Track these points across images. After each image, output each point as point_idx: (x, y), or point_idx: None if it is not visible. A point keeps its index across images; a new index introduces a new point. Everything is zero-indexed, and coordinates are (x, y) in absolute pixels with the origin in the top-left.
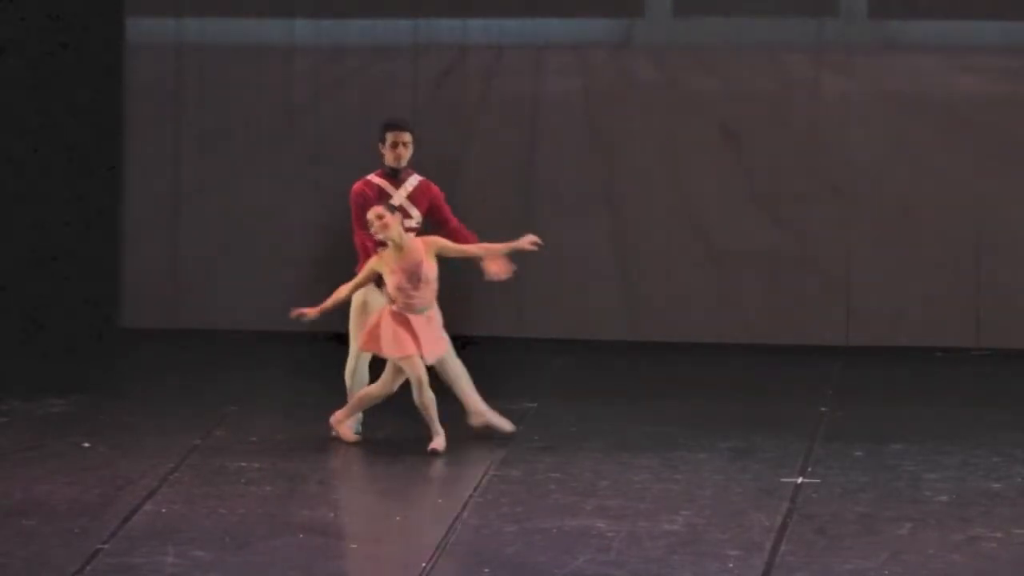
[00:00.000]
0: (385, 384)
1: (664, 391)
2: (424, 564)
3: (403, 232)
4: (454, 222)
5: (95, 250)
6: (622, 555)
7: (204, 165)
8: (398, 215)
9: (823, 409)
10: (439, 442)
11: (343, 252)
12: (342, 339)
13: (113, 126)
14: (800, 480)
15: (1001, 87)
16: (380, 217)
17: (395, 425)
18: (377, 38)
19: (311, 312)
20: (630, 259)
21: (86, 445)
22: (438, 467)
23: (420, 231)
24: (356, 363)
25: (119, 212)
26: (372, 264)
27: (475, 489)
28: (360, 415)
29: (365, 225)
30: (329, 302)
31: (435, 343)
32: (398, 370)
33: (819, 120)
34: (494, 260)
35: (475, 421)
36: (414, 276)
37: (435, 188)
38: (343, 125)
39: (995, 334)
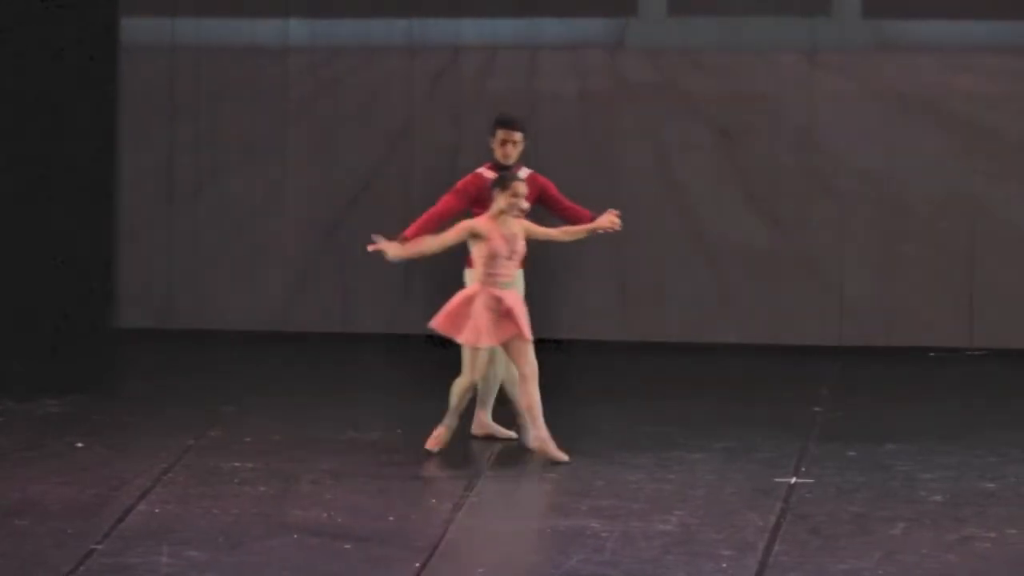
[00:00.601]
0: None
1: (658, 391)
2: (418, 564)
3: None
4: (566, 202)
5: (90, 251)
6: (616, 555)
7: (199, 166)
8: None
9: (817, 409)
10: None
11: (337, 253)
12: (336, 339)
13: (108, 126)
14: (794, 480)
15: (995, 87)
16: (523, 195)
17: (388, 426)
18: (371, 38)
19: (391, 249)
20: (625, 259)
21: (80, 445)
22: (432, 467)
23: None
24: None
25: (114, 213)
26: (467, 225)
27: (469, 489)
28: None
29: (462, 195)
30: (411, 245)
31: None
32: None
33: (813, 120)
34: (602, 216)
35: (477, 431)
36: (512, 249)
37: (543, 179)
38: (337, 125)
39: (989, 334)
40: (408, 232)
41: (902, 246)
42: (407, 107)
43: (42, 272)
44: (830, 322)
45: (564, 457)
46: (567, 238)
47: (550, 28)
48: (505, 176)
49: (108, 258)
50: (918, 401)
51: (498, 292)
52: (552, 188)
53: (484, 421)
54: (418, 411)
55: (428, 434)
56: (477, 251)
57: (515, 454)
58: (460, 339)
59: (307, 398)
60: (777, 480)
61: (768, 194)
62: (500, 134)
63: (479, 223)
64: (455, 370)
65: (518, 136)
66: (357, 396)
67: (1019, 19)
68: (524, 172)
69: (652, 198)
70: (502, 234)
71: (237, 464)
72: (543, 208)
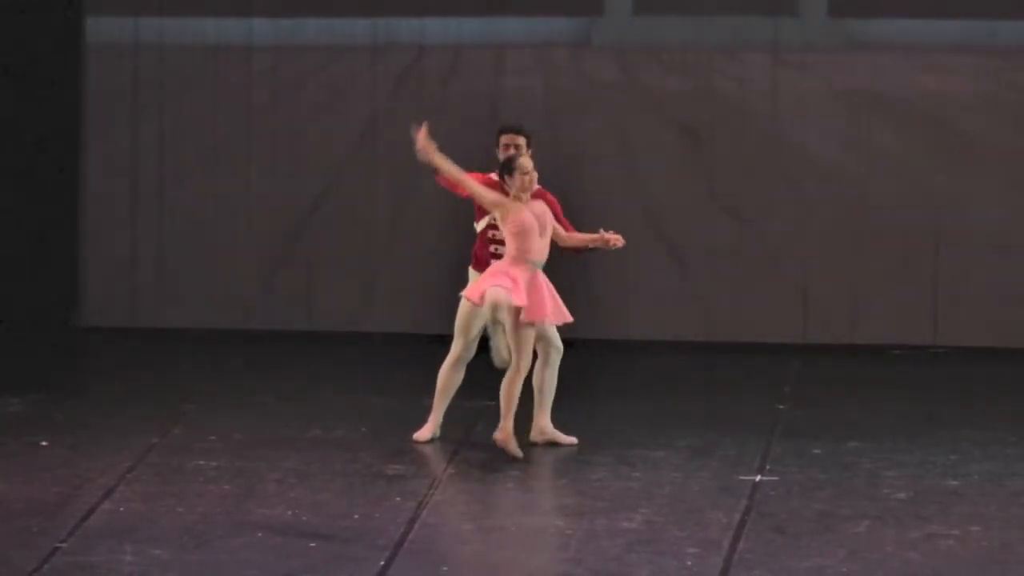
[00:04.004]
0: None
1: (622, 389)
2: (383, 562)
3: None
4: (564, 224)
5: (54, 249)
6: (580, 553)
7: (163, 164)
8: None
9: (781, 407)
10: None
11: (302, 251)
12: (300, 338)
13: (72, 125)
14: (758, 478)
15: (960, 85)
16: (532, 169)
17: (352, 424)
18: (335, 37)
19: (428, 147)
20: (590, 257)
21: (44, 444)
22: (396, 465)
23: None
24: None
25: (78, 212)
26: (498, 198)
27: (434, 488)
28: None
29: (473, 178)
30: (447, 163)
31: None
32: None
33: (778, 119)
34: (607, 233)
35: (537, 438)
36: (542, 224)
37: (551, 197)
38: (302, 124)
39: (953, 332)
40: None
41: (866, 244)
42: (372, 106)
43: (5, 270)
44: (794, 320)
45: (520, 454)
46: (568, 243)
47: (515, 27)
48: (505, 162)
49: (72, 257)
50: (882, 399)
51: (529, 272)
52: (557, 209)
53: (544, 427)
54: (382, 410)
55: (396, 432)
56: (506, 230)
57: (480, 452)
58: (516, 302)
59: (271, 397)
60: (741, 478)
61: (732, 192)
62: (503, 140)
63: (508, 201)
64: (419, 369)
65: (521, 140)
66: (321, 395)
67: (985, 18)
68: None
69: (617, 196)
70: (532, 211)
71: (201, 463)
72: None
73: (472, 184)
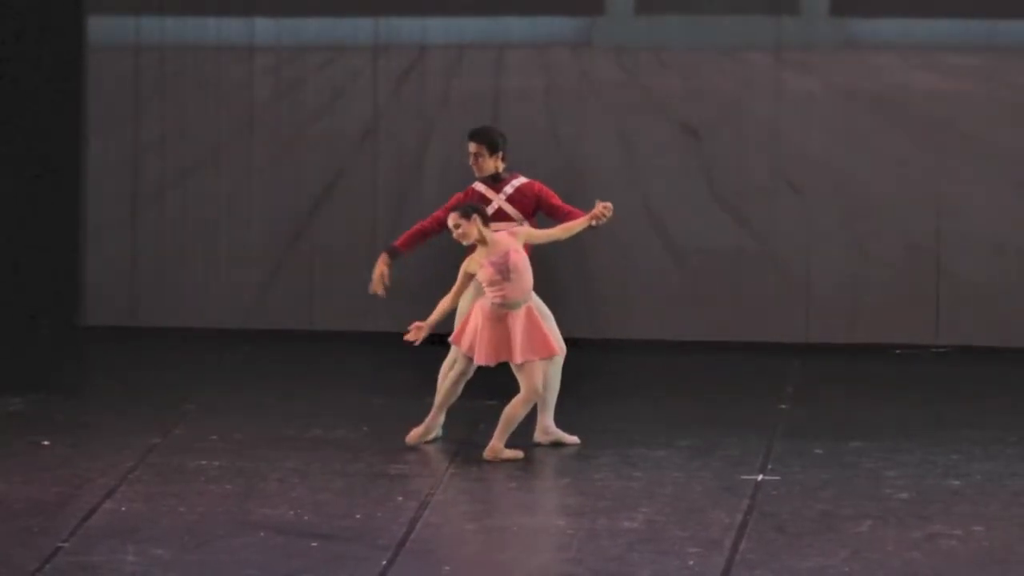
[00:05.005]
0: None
1: (622, 389)
2: (384, 562)
3: (484, 229)
4: (566, 208)
5: (55, 248)
6: (582, 553)
7: (165, 164)
8: (475, 217)
9: (783, 406)
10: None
11: (303, 250)
12: (301, 338)
13: (74, 125)
14: (760, 477)
15: (961, 84)
16: (457, 227)
17: (354, 423)
18: (337, 37)
19: (421, 331)
20: (590, 257)
21: (45, 443)
22: (398, 465)
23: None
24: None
25: (80, 211)
26: (465, 267)
27: (435, 487)
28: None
29: (443, 218)
30: (434, 317)
31: (529, 346)
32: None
33: (779, 118)
34: (596, 208)
35: (541, 438)
36: (503, 268)
37: (538, 185)
38: (303, 124)
39: (954, 331)
40: (398, 243)
41: (867, 243)
42: (373, 106)
43: (6, 270)
44: (796, 319)
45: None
46: (566, 235)
47: (517, 27)
48: (465, 207)
49: (73, 256)
50: (883, 398)
51: (498, 314)
52: (549, 196)
53: (548, 427)
54: (384, 409)
55: (397, 432)
56: (481, 281)
57: (482, 452)
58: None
59: (273, 396)
60: (743, 478)
61: (734, 192)
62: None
63: (469, 263)
64: (420, 368)
65: (472, 147)
66: (322, 394)
67: (984, 17)
68: (519, 181)
69: (618, 196)
70: (489, 261)
71: (203, 462)
72: (545, 216)
73: (454, 295)
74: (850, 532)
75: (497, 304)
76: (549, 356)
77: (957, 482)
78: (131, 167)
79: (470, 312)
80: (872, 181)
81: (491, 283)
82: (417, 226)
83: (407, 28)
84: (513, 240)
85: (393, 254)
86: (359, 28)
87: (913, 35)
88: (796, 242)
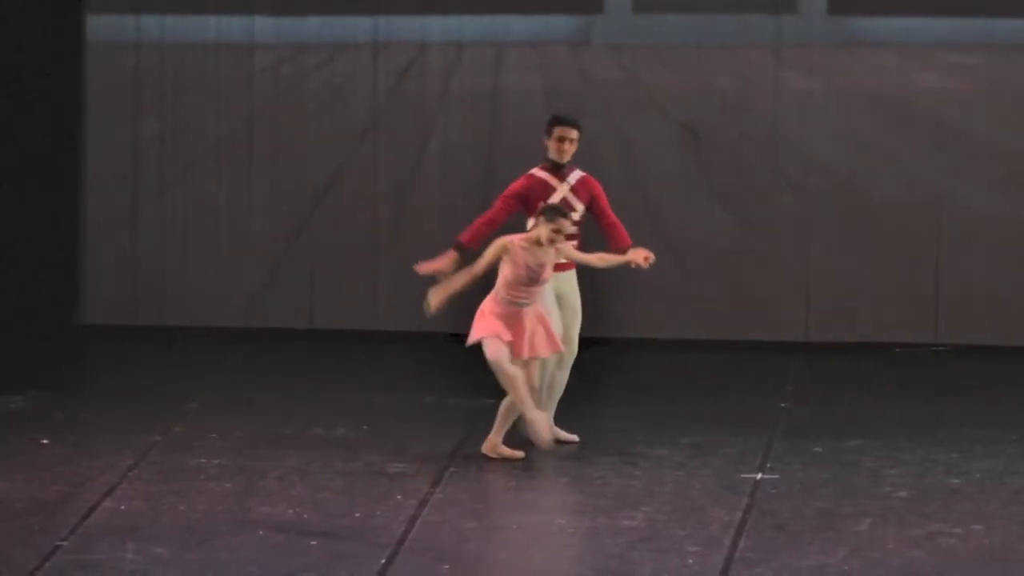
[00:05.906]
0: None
1: (624, 387)
2: (383, 560)
3: (554, 238)
4: (611, 218)
5: (55, 247)
6: (582, 551)
7: (164, 162)
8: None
9: (783, 405)
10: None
11: (303, 249)
12: (301, 336)
13: (73, 123)
14: (759, 476)
15: (960, 83)
16: (558, 231)
17: (354, 422)
18: (337, 35)
19: (434, 297)
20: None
21: (45, 442)
22: (398, 464)
23: (582, 224)
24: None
25: (79, 209)
26: (502, 242)
27: (435, 486)
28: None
29: (512, 202)
30: (447, 286)
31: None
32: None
33: (779, 117)
34: (636, 251)
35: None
36: (534, 277)
37: (596, 183)
38: (303, 122)
39: (954, 330)
40: (463, 237)
41: (867, 242)
42: (373, 104)
43: (6, 267)
44: (796, 318)
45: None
46: (602, 265)
47: (516, 25)
48: (555, 209)
49: (74, 254)
50: (883, 397)
51: (512, 310)
52: (602, 197)
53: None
54: (384, 408)
55: (397, 430)
56: (502, 268)
57: (481, 452)
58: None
59: (273, 395)
60: (743, 476)
61: (733, 190)
62: (556, 131)
63: (513, 244)
64: (420, 367)
65: (575, 134)
66: (322, 393)
67: (983, 16)
68: (579, 173)
69: (617, 195)
70: (527, 262)
71: (203, 460)
72: (588, 213)
73: (478, 267)
74: (850, 530)
75: (507, 300)
76: (554, 353)
77: (957, 480)
78: (131, 166)
79: (494, 317)
80: (871, 179)
81: (515, 281)
82: (483, 218)
83: (407, 26)
84: (554, 256)
85: (460, 250)
86: (359, 26)
87: (912, 34)
88: (796, 241)
